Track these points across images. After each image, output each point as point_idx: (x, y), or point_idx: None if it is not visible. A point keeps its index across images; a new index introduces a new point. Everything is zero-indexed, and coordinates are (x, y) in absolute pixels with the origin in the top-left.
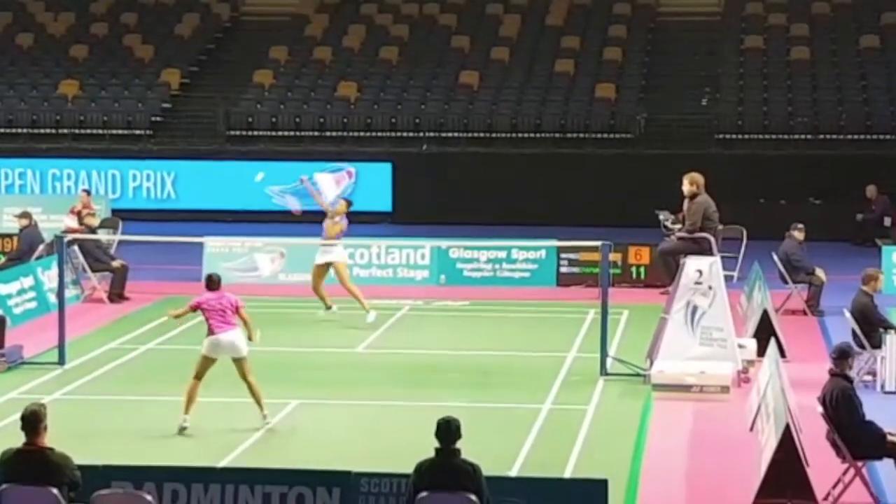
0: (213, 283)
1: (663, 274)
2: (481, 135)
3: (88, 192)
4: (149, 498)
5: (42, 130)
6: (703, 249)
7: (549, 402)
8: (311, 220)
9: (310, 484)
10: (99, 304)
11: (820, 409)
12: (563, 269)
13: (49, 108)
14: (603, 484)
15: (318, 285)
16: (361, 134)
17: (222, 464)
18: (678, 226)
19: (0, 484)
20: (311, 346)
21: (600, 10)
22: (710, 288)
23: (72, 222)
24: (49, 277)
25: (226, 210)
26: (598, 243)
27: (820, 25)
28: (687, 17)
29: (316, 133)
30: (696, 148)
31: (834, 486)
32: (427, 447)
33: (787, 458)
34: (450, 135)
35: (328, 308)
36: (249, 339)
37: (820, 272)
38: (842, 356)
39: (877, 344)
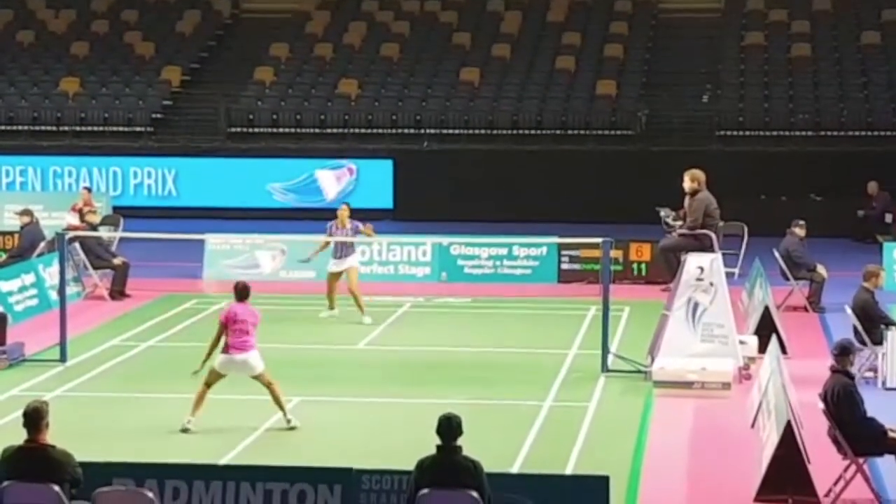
0: (240, 293)
1: (664, 270)
2: (482, 132)
3: (89, 190)
4: (150, 495)
5: (43, 128)
6: (705, 246)
7: (551, 398)
8: (311, 218)
9: (311, 481)
10: (100, 302)
11: (821, 405)
12: (565, 266)
13: (50, 105)
14: (604, 480)
15: (334, 289)
16: (362, 131)
17: (224, 461)
18: (679, 222)
19: (2, 481)
20: (312, 343)
21: (601, 7)
22: (711, 284)
23: (73, 219)
24: (50, 275)
25: (227, 207)
26: (600, 240)
27: (821, 22)
28: (688, 13)
29: (317, 130)
30: (697, 145)
31: (835, 483)
32: (428, 444)
33: (789, 455)
34: (451, 132)
35: (331, 309)
36: None
37: (821, 269)
38: (843, 353)
39: (878, 340)
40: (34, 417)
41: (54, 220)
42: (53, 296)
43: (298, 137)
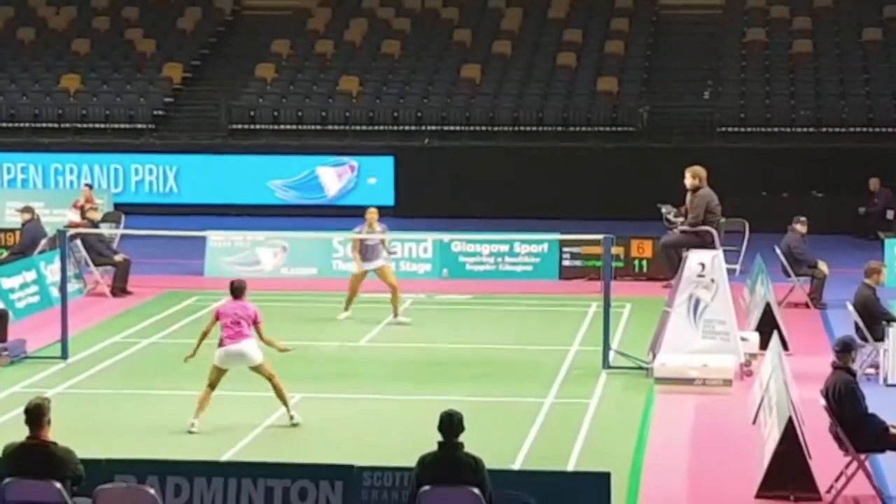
0: (234, 290)
1: (666, 267)
2: (483, 128)
3: (91, 187)
4: (151, 492)
5: (44, 125)
6: (706, 243)
7: (552, 395)
8: (313, 215)
9: (312, 478)
10: (101, 299)
11: (822, 402)
12: (566, 263)
13: (51, 102)
14: (605, 477)
15: (357, 291)
16: (364, 128)
17: (225, 458)
18: (681, 219)
19: (3, 478)
20: (313, 340)
21: (602, 4)
22: (712, 281)
23: (74, 216)
24: (52, 272)
25: (228, 204)
26: (601, 236)
27: (822, 18)
28: (689, 10)
29: (318, 127)
30: (699, 141)
31: (836, 479)
32: (430, 441)
33: (790, 451)
34: (452, 128)
35: (347, 310)
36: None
37: (822, 265)
38: (844, 349)
39: (879, 337)
40: (36, 414)
41: (56, 217)
42: (55, 293)
43: (300, 134)
